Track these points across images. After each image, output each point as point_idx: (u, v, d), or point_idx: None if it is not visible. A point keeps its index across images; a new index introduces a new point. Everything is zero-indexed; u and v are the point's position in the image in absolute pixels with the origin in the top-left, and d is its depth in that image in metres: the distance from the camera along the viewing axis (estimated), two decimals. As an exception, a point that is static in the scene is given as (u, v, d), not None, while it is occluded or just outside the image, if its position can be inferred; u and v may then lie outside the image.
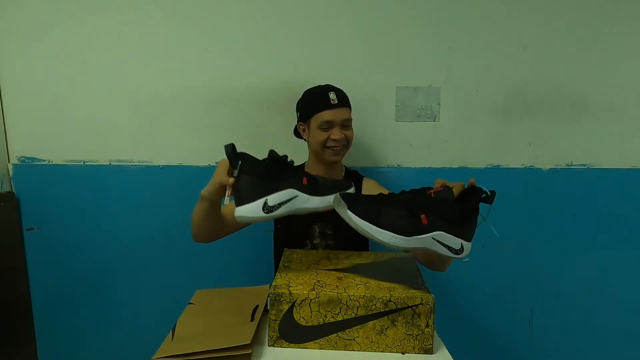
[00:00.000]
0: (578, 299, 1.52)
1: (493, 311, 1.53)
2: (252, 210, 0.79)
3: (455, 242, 0.78)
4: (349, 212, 0.75)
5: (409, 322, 0.75)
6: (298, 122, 1.22)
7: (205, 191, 0.90)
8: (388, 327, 0.75)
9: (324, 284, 0.79)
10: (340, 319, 0.76)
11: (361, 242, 1.17)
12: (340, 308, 0.75)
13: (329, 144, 1.14)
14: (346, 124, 1.16)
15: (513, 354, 1.55)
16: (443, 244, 0.77)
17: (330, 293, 0.75)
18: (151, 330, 1.34)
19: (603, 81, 1.44)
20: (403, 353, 0.75)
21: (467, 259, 1.49)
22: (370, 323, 0.76)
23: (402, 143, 1.46)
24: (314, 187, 0.85)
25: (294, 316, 0.76)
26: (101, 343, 1.51)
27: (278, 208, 0.81)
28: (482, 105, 1.44)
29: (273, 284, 0.80)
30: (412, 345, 0.76)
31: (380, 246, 0.78)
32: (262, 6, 1.38)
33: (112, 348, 1.51)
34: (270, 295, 0.76)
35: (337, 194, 0.79)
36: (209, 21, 1.38)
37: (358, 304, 0.75)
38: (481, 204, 0.81)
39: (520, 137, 1.46)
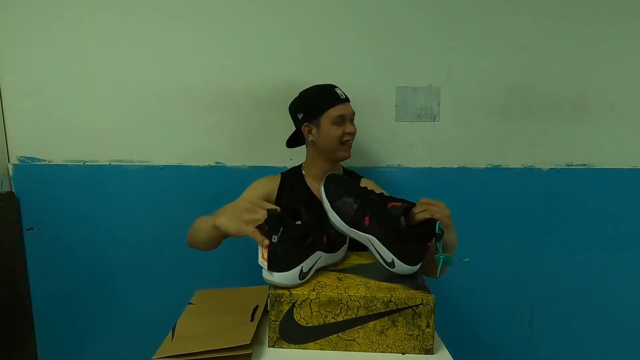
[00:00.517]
0: (578, 299, 1.52)
1: (493, 311, 1.53)
2: (289, 278, 0.77)
3: (387, 254, 0.82)
4: (322, 186, 0.87)
5: (410, 322, 0.75)
6: (302, 122, 1.17)
7: (222, 225, 0.83)
8: (389, 328, 0.75)
9: (324, 285, 0.79)
10: (340, 319, 0.75)
11: (362, 245, 1.17)
12: (341, 308, 0.75)
13: (345, 138, 1.15)
14: (352, 119, 1.19)
15: (513, 354, 1.55)
16: (376, 250, 0.83)
17: (331, 293, 0.75)
18: (151, 330, 1.33)
19: (603, 81, 1.44)
20: (403, 353, 0.75)
21: (466, 259, 1.51)
22: (371, 323, 0.75)
23: (402, 143, 1.46)
24: (331, 245, 0.89)
25: (294, 317, 0.76)
26: (101, 343, 1.51)
27: (309, 272, 0.81)
28: (482, 105, 1.44)
29: None
30: (413, 345, 0.76)
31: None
32: (263, 6, 1.38)
33: (112, 348, 1.51)
34: (270, 295, 0.76)
35: (329, 173, 0.90)
36: (209, 21, 1.38)
37: (358, 305, 0.75)
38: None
39: (520, 137, 1.46)
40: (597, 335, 1.54)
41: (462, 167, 1.47)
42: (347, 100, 1.17)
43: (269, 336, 0.77)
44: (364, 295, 0.75)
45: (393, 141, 1.46)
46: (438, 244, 0.80)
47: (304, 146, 1.25)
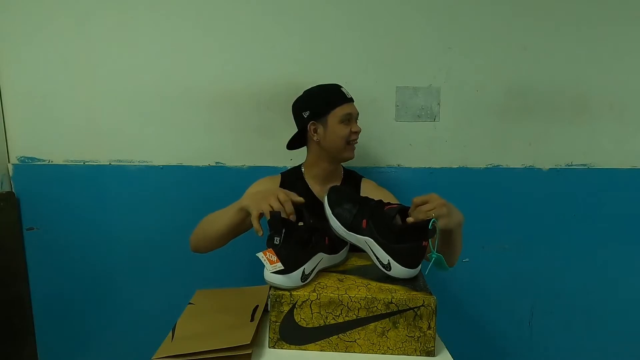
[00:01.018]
0: (578, 299, 1.52)
1: (493, 311, 1.53)
2: (292, 280, 0.77)
3: (382, 255, 0.82)
4: (325, 197, 0.92)
5: (411, 324, 0.75)
6: (308, 121, 1.15)
7: (247, 206, 0.89)
8: (389, 329, 0.75)
9: (324, 286, 0.79)
10: (341, 320, 0.75)
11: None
12: (341, 310, 0.75)
13: (352, 137, 1.16)
14: (357, 118, 1.19)
15: (513, 354, 1.55)
16: (372, 252, 0.84)
17: (331, 294, 0.75)
18: (151, 330, 1.33)
19: (603, 81, 1.44)
20: None
21: (466, 259, 1.51)
22: (372, 325, 0.75)
23: (402, 143, 1.46)
24: (333, 246, 0.90)
25: (295, 318, 0.76)
26: (101, 343, 1.51)
27: (311, 274, 0.81)
28: (482, 105, 1.44)
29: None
30: (414, 347, 0.75)
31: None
32: (263, 6, 1.38)
33: (112, 348, 1.51)
34: (270, 296, 0.76)
35: (332, 186, 0.94)
36: (209, 21, 1.38)
37: (359, 306, 0.75)
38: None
39: (520, 137, 1.46)
40: (597, 335, 1.54)
41: (462, 167, 1.47)
42: (352, 99, 1.17)
43: (269, 337, 0.77)
44: (365, 297, 0.75)
45: (393, 141, 1.45)
46: (429, 242, 0.80)
47: (304, 147, 1.25)
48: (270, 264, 0.76)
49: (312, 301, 0.75)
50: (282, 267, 0.76)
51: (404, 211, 0.85)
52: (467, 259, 1.50)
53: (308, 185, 1.21)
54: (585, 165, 1.48)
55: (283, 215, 0.82)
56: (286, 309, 0.76)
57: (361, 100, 1.40)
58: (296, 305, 0.75)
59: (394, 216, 0.82)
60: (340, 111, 1.13)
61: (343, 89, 1.16)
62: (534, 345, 1.55)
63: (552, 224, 1.49)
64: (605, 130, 1.46)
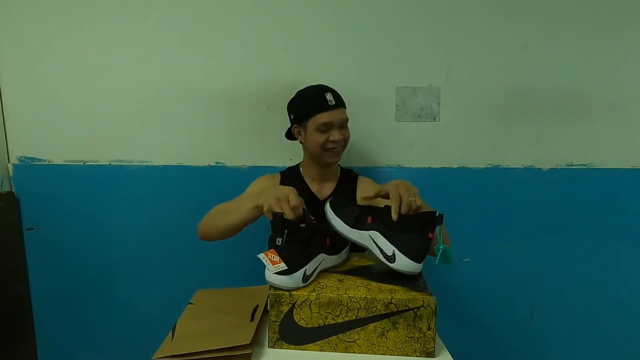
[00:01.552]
0: (578, 299, 1.52)
1: (493, 311, 1.53)
2: (293, 281, 0.77)
3: (387, 246, 0.83)
4: (327, 203, 0.93)
5: (411, 324, 0.74)
6: (292, 124, 1.19)
7: (262, 204, 0.87)
8: (389, 330, 0.75)
9: (324, 286, 0.79)
10: (340, 320, 0.75)
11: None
12: (341, 310, 0.75)
13: (329, 146, 1.13)
14: (343, 125, 1.15)
15: (513, 354, 1.55)
16: (377, 245, 0.84)
17: (331, 294, 0.75)
18: (151, 330, 1.34)
19: (603, 81, 1.44)
20: None
21: (466, 259, 1.51)
22: (371, 325, 0.75)
23: (402, 143, 1.46)
24: (334, 247, 0.90)
25: (294, 317, 0.76)
26: (101, 343, 1.51)
27: (312, 275, 0.81)
28: (482, 105, 1.44)
29: None
30: (414, 348, 0.75)
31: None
32: (262, 6, 1.38)
33: (112, 348, 1.51)
34: (270, 296, 0.76)
35: (333, 197, 0.94)
36: (209, 21, 1.38)
37: (359, 306, 0.75)
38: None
39: (520, 137, 1.46)
40: (597, 335, 1.54)
41: (462, 167, 1.47)
42: (337, 106, 1.12)
43: (269, 336, 0.77)
44: (364, 297, 0.75)
45: (393, 141, 1.45)
46: (437, 233, 0.80)
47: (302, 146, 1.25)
48: (272, 264, 0.76)
49: (311, 301, 0.75)
50: (286, 267, 0.75)
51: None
52: (467, 259, 1.50)
53: (307, 184, 1.22)
54: (585, 165, 1.48)
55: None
56: (285, 308, 0.76)
57: (361, 100, 1.41)
58: (295, 305, 0.75)
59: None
60: (318, 119, 1.10)
61: (328, 95, 1.11)
62: (534, 345, 1.55)
63: (552, 224, 1.49)
64: (605, 130, 1.46)
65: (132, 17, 1.37)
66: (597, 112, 1.45)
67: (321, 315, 0.75)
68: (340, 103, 1.14)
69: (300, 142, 1.20)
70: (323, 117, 1.10)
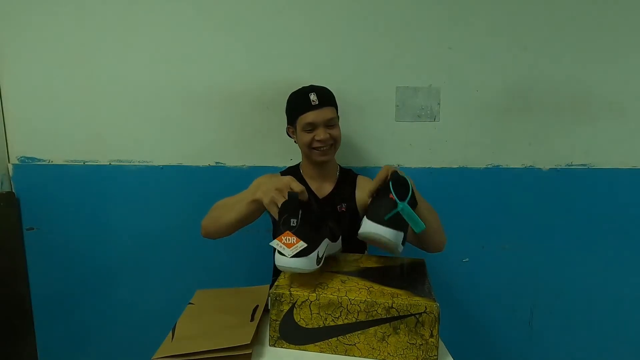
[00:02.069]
0: (578, 299, 1.52)
1: (493, 311, 1.53)
2: (310, 262, 0.75)
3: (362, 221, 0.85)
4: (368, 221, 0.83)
5: (412, 330, 0.72)
6: (287, 124, 1.24)
7: (260, 198, 0.87)
8: (390, 335, 0.73)
9: (325, 286, 0.78)
10: (340, 322, 0.74)
11: (360, 243, 1.17)
12: (341, 312, 0.74)
13: (315, 145, 1.15)
14: (331, 124, 1.16)
15: (513, 354, 1.55)
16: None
17: (331, 296, 0.74)
18: (151, 330, 1.34)
19: (603, 81, 1.44)
20: None
21: (466, 259, 1.51)
22: (372, 329, 0.73)
23: (402, 143, 1.46)
24: (333, 234, 0.90)
25: (294, 317, 0.76)
26: (101, 343, 1.51)
27: (322, 259, 0.81)
28: (482, 105, 1.44)
29: (275, 283, 0.79)
30: (416, 355, 0.73)
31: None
32: (263, 6, 1.38)
33: (112, 348, 1.51)
34: (270, 295, 0.76)
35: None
36: (210, 21, 1.38)
37: (359, 309, 0.73)
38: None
39: (520, 137, 1.46)
40: (596, 335, 1.54)
41: (462, 167, 1.47)
42: (321, 105, 1.13)
43: (269, 335, 0.77)
44: (365, 300, 0.73)
45: (393, 141, 1.45)
46: (393, 194, 0.80)
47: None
48: (288, 247, 0.73)
49: (311, 302, 0.75)
50: (305, 245, 0.73)
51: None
52: (467, 259, 1.50)
53: (307, 183, 1.23)
54: (585, 165, 1.48)
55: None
56: (286, 308, 0.76)
57: (361, 100, 1.41)
58: (295, 305, 0.75)
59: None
60: (303, 119, 1.14)
61: (312, 95, 1.13)
62: (534, 345, 1.55)
63: (552, 223, 1.49)
64: (605, 130, 1.46)
65: (133, 17, 1.37)
66: (597, 112, 1.45)
67: (321, 316, 0.75)
68: (325, 102, 1.15)
69: (295, 141, 1.23)
70: (307, 117, 1.13)
